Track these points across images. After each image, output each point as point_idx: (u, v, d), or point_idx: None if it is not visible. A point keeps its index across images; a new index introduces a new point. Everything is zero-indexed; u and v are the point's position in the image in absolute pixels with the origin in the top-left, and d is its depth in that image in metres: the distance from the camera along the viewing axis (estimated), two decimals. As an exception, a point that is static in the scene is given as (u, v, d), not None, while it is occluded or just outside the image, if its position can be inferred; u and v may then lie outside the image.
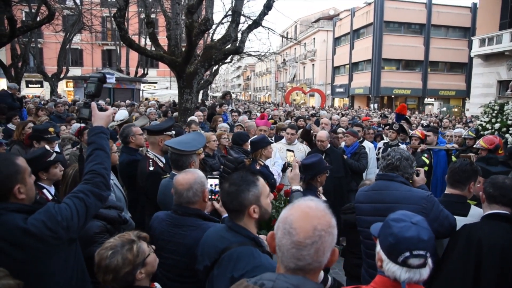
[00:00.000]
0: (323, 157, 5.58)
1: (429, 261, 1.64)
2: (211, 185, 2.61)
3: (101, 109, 2.28)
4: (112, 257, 1.84)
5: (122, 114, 8.12)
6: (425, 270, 1.62)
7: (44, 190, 3.08)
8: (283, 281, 1.22)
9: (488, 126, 6.82)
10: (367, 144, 6.97)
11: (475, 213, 2.79)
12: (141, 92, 27.90)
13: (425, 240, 1.61)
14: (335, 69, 46.99)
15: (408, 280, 1.60)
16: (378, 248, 1.73)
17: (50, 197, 3.08)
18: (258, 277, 1.27)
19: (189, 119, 7.62)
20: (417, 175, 3.08)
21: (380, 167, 2.99)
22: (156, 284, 2.18)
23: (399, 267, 1.60)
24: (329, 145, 5.88)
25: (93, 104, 2.24)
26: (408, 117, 10.80)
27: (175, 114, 9.93)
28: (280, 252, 1.30)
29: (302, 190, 3.17)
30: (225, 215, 2.62)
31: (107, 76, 2.50)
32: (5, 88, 10.05)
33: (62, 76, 25.12)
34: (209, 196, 2.58)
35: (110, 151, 3.59)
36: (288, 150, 6.07)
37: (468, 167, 2.93)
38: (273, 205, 2.75)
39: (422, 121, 14.85)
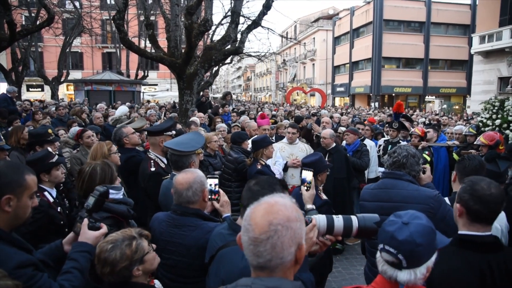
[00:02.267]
0: (327, 156, 5.59)
1: (419, 270, 1.57)
2: (210, 185, 2.61)
3: (92, 227, 2.10)
4: (111, 251, 1.88)
5: (121, 110, 8.17)
6: (402, 273, 1.56)
7: (46, 193, 3.08)
8: (259, 285, 1.20)
9: (489, 122, 6.83)
10: (368, 142, 6.97)
11: None
12: (141, 94, 27.95)
13: (397, 239, 1.56)
14: (335, 69, 46.95)
15: (382, 273, 1.61)
16: None
17: (51, 199, 3.08)
18: (234, 284, 1.26)
19: (191, 119, 7.65)
20: (423, 172, 3.02)
21: (386, 165, 2.93)
22: (156, 281, 2.19)
23: (379, 257, 1.64)
24: (334, 145, 5.87)
25: (85, 221, 2.08)
26: (410, 116, 10.79)
27: (173, 114, 9.95)
28: (244, 250, 1.29)
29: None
30: (225, 215, 2.62)
31: (111, 191, 2.35)
32: (4, 92, 10.03)
33: (62, 79, 25.19)
34: (209, 196, 2.57)
35: (110, 157, 3.62)
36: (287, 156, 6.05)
37: (483, 163, 2.94)
38: None
39: (422, 119, 14.81)
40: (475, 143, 5.62)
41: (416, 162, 2.82)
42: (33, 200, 1.87)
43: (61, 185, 3.44)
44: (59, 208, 3.11)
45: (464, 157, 3.07)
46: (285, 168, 5.84)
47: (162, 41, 10.87)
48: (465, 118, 17.77)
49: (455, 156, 6.24)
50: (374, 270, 2.74)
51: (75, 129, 5.93)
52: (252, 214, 1.28)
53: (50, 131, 4.76)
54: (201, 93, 11.53)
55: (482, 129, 6.77)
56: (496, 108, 6.94)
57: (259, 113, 9.69)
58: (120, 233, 1.99)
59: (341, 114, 13.01)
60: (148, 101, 25.28)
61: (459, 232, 2.04)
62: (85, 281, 1.94)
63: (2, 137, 4.43)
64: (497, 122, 6.72)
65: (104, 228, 2.12)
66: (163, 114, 11.05)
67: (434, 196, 2.64)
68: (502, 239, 2.57)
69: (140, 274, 1.94)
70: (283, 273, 1.26)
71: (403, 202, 2.62)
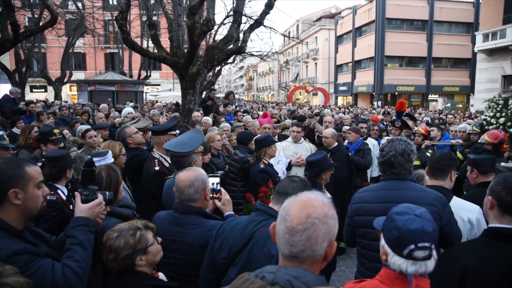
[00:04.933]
0: (328, 155, 5.58)
1: (434, 253, 1.65)
2: (212, 183, 2.62)
3: (86, 200, 2.06)
4: (116, 239, 2.00)
5: (125, 111, 8.22)
6: (431, 262, 1.63)
7: (59, 191, 3.18)
8: (283, 273, 1.23)
9: (493, 120, 6.79)
10: (371, 141, 6.95)
11: (456, 204, 2.77)
12: (144, 94, 27.99)
13: (429, 232, 1.63)
14: (338, 68, 46.89)
15: (414, 273, 1.61)
16: (383, 242, 1.75)
17: (64, 197, 3.17)
18: (259, 270, 1.28)
19: (202, 119, 7.69)
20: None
21: (378, 163, 2.85)
22: (160, 273, 2.26)
23: (404, 260, 1.62)
24: (336, 144, 5.85)
25: (77, 195, 2.05)
26: (412, 114, 10.74)
27: (176, 113, 9.97)
28: (277, 239, 1.34)
29: None
30: (227, 213, 2.64)
31: (95, 159, 2.28)
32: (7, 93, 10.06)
33: (65, 80, 25.26)
34: (211, 195, 2.58)
35: (118, 158, 3.65)
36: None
37: (447, 156, 2.94)
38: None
39: (426, 118, 14.75)
40: (479, 141, 5.59)
41: (406, 160, 2.65)
42: (43, 189, 1.90)
43: (69, 184, 3.49)
44: (71, 206, 3.15)
45: (436, 152, 3.06)
46: (289, 167, 5.83)
47: (165, 41, 10.87)
48: (467, 115, 17.67)
49: (459, 155, 6.21)
50: (367, 273, 2.62)
51: (81, 127, 6.00)
52: (291, 206, 1.33)
53: (56, 131, 4.84)
54: (208, 95, 11.49)
55: (486, 127, 6.73)
56: (500, 106, 6.89)
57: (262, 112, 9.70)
58: (127, 224, 2.09)
59: (343, 113, 12.99)
60: (152, 103, 25.20)
61: (490, 225, 2.07)
62: (90, 252, 1.92)
63: (6, 137, 4.51)
64: (501, 120, 6.67)
65: (99, 198, 2.09)
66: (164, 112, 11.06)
67: (439, 198, 2.59)
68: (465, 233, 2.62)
69: (143, 264, 2.03)
70: (311, 266, 1.30)
71: (412, 203, 2.50)
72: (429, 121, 12.64)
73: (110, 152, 2.59)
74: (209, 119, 7.77)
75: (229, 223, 2.29)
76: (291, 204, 1.34)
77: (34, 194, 1.84)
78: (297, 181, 2.23)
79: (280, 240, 1.32)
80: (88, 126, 6.17)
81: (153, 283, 2.08)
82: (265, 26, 11.36)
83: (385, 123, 10.13)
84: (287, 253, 1.30)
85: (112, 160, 2.57)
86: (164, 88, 39.45)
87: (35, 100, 14.95)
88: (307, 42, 46.39)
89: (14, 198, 1.76)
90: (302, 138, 6.27)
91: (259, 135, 5.78)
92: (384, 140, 7.27)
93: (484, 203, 2.15)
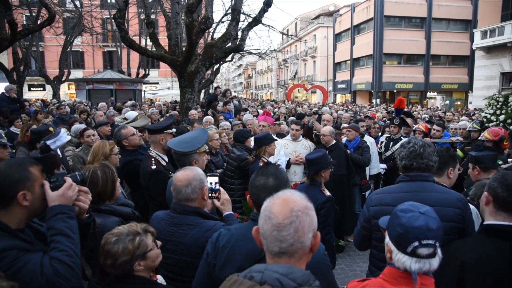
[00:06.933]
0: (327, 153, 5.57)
1: (439, 251, 1.63)
2: (211, 183, 2.58)
3: (54, 187, 1.89)
4: (114, 244, 1.94)
5: (131, 115, 8.18)
6: (435, 260, 1.61)
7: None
8: (271, 271, 1.23)
9: (493, 118, 6.79)
10: (368, 139, 6.94)
11: None
12: (142, 93, 27.94)
13: (433, 229, 1.61)
14: (337, 65, 46.85)
15: (418, 270, 1.60)
16: (387, 239, 1.74)
17: None
18: (247, 270, 1.27)
19: (204, 118, 7.67)
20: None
21: (401, 156, 2.68)
22: (159, 276, 2.22)
23: (408, 258, 1.61)
24: (334, 141, 5.84)
25: (45, 184, 1.89)
26: (411, 112, 10.73)
27: (174, 112, 9.95)
28: (264, 240, 1.38)
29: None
30: (226, 213, 2.61)
31: (49, 142, 2.13)
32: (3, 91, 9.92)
33: (64, 79, 25.22)
34: (210, 194, 2.55)
35: (110, 157, 3.59)
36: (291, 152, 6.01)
37: (444, 153, 2.89)
38: None
39: (424, 115, 14.72)
40: (479, 138, 5.59)
41: (433, 152, 2.62)
42: (45, 188, 1.89)
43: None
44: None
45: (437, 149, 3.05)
46: (288, 165, 5.83)
47: (163, 39, 10.86)
48: (466, 113, 17.66)
49: (459, 152, 6.20)
50: (379, 272, 2.60)
51: (77, 127, 5.94)
52: (272, 205, 1.39)
53: (51, 129, 4.78)
54: (214, 93, 11.53)
55: (486, 124, 6.73)
56: (500, 103, 6.90)
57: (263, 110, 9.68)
58: (126, 227, 2.04)
59: (345, 111, 12.94)
60: (151, 101, 25.17)
61: (486, 222, 2.06)
62: (75, 239, 1.83)
63: (3, 135, 4.52)
64: (501, 117, 6.68)
65: (68, 181, 1.92)
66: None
67: (462, 199, 2.52)
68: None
69: (141, 270, 1.99)
70: (299, 258, 1.36)
71: (437, 205, 2.37)
72: (428, 118, 12.63)
73: (62, 130, 2.48)
74: (211, 118, 7.75)
75: (226, 235, 2.05)
76: (272, 204, 1.39)
77: (40, 193, 1.85)
78: (269, 184, 2.02)
79: (268, 239, 1.36)
80: (83, 126, 6.14)
81: (151, 287, 2.04)
82: (263, 24, 11.34)
83: (387, 121, 10.14)
84: (277, 250, 1.34)
85: (68, 138, 2.42)
86: (163, 87, 39.39)
87: (33, 100, 14.87)
88: (305, 40, 46.49)
89: (23, 200, 1.77)
90: (301, 136, 6.26)
91: (259, 133, 5.77)
92: (382, 138, 7.27)
93: (481, 199, 2.16)
